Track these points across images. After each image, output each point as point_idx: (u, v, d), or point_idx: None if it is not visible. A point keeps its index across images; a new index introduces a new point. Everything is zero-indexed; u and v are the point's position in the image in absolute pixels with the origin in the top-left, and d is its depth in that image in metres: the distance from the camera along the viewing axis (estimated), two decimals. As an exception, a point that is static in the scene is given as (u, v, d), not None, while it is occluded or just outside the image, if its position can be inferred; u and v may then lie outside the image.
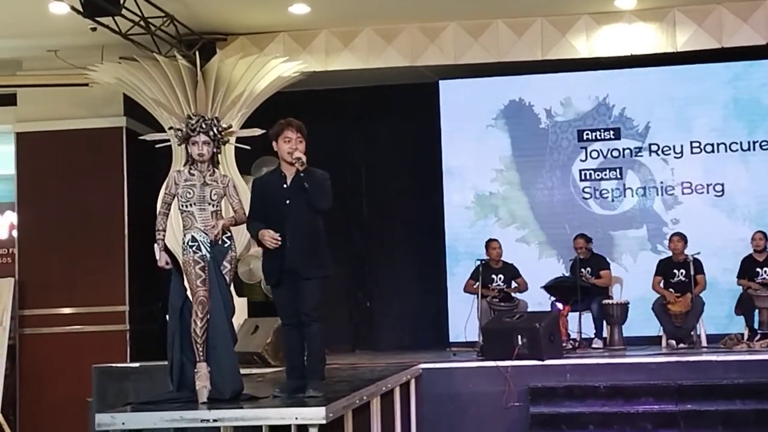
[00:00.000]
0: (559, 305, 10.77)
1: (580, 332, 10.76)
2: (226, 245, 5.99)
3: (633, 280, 11.67)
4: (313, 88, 11.99)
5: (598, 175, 12.25)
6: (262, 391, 6.31)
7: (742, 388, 8.86)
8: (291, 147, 6.30)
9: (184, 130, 6.04)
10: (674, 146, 12.11)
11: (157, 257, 6.00)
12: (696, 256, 10.74)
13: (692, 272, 10.60)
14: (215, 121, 6.10)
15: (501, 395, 9.11)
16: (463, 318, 10.94)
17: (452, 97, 12.46)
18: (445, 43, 11.36)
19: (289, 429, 6.13)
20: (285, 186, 6.31)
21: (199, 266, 5.86)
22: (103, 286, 11.72)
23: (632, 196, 12.19)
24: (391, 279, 12.92)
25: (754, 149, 11.97)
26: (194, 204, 5.96)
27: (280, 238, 6.15)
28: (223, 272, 5.94)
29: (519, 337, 9.33)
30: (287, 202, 6.25)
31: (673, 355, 9.70)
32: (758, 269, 10.74)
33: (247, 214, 6.26)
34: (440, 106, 12.43)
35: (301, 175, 6.24)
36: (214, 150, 6.06)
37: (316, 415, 5.39)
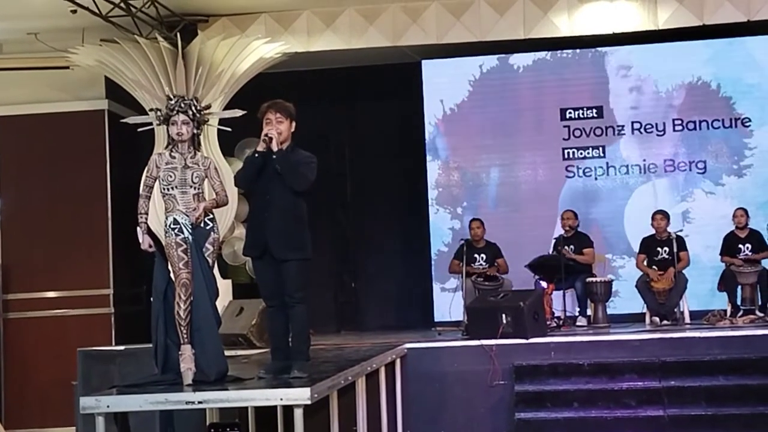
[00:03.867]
0: (543, 283, 10.81)
1: (564, 310, 10.80)
2: (208, 227, 5.98)
3: (617, 259, 11.73)
4: (296, 69, 11.94)
5: (581, 153, 12.25)
6: (247, 373, 6.30)
7: (725, 363, 8.94)
8: (269, 128, 6.32)
9: (163, 110, 6.03)
10: (656, 124, 12.13)
11: (140, 240, 5.99)
12: (679, 234, 10.80)
13: (675, 249, 10.65)
14: (194, 100, 6.08)
15: (486, 374, 9.15)
16: (448, 297, 10.97)
17: (435, 76, 12.45)
18: (427, 22, 11.32)
19: (275, 410, 6.16)
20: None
21: (181, 249, 5.86)
22: (87, 270, 11.70)
23: (615, 174, 12.20)
24: (375, 259, 12.92)
25: (735, 126, 12.00)
26: (176, 187, 5.95)
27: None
28: (206, 254, 5.93)
29: (503, 315, 9.37)
30: (268, 183, 6.28)
31: (657, 332, 9.76)
32: (740, 246, 10.81)
33: (228, 196, 6.26)
34: (423, 86, 12.42)
35: (274, 156, 6.27)
36: (194, 131, 6.04)
37: (301, 395, 5.40)
